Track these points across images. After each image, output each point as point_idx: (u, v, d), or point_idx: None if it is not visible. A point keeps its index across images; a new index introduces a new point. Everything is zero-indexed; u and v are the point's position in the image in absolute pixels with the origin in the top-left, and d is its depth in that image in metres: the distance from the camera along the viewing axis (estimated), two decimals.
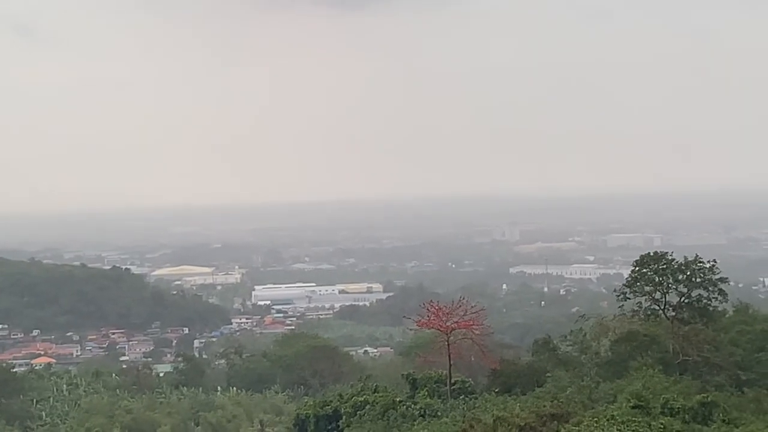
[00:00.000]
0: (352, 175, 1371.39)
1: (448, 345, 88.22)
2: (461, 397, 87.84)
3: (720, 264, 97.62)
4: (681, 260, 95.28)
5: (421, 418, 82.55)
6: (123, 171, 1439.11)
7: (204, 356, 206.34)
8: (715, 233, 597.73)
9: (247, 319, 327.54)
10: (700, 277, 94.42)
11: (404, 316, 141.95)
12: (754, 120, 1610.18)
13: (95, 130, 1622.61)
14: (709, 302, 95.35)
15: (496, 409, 74.51)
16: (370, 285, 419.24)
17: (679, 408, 64.60)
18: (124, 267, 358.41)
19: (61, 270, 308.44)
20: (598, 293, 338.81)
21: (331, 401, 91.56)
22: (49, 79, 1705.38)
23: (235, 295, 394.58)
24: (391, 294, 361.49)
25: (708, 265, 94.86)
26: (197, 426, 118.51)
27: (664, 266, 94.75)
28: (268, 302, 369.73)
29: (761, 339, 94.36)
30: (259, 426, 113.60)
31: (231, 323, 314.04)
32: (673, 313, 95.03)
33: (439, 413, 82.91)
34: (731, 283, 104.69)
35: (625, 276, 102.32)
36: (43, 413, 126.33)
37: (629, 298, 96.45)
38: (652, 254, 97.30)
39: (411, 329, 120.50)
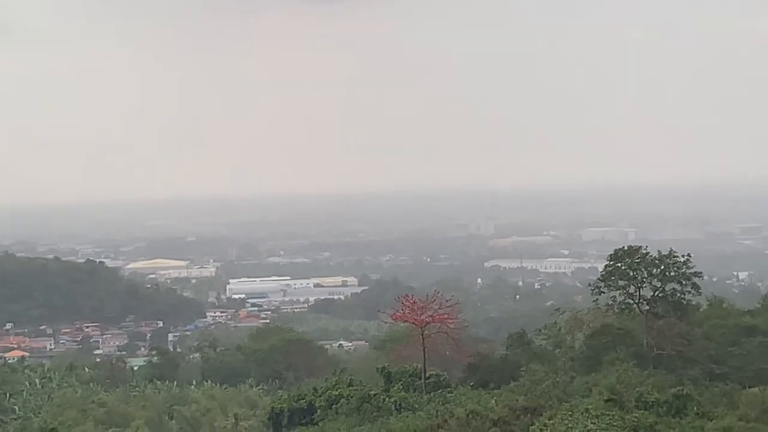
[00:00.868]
0: (327, 169, 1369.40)
1: (423, 339, 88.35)
2: (438, 391, 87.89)
3: (694, 258, 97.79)
4: (655, 254, 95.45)
5: (395, 411, 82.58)
6: (97, 164, 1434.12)
7: (178, 350, 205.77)
8: (690, 228, 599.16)
9: (221, 312, 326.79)
10: (675, 271, 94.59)
11: (379, 310, 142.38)
12: (730, 115, 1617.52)
13: (69, 123, 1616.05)
14: (683, 296, 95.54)
15: (471, 402, 74.65)
16: (345, 279, 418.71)
17: (653, 401, 64.87)
18: (98, 260, 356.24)
19: (34, 263, 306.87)
20: (572, 287, 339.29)
21: (305, 395, 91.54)
22: (22, 72, 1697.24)
23: (210, 289, 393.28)
24: (366, 288, 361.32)
25: (682, 260, 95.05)
26: (171, 420, 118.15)
27: (639, 260, 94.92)
28: (243, 296, 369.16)
29: (735, 333, 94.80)
30: (234, 420, 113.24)
31: (205, 317, 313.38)
32: (648, 307, 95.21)
33: (414, 407, 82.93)
34: (705, 278, 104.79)
35: (600, 270, 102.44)
36: (17, 407, 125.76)
37: (604, 292, 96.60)
38: (626, 248, 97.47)
39: (386, 323, 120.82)
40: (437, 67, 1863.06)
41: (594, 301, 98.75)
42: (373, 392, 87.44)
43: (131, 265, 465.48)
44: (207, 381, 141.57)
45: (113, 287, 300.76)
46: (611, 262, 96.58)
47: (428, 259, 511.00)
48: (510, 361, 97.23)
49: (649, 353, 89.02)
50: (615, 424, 59.68)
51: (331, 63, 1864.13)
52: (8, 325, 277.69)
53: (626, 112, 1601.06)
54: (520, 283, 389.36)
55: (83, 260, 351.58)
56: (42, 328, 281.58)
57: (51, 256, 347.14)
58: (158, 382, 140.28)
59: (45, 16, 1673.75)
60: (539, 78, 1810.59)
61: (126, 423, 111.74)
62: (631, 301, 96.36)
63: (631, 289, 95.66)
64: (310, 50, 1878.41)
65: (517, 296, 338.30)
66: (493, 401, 74.32)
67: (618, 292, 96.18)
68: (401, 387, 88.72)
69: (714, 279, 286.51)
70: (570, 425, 59.64)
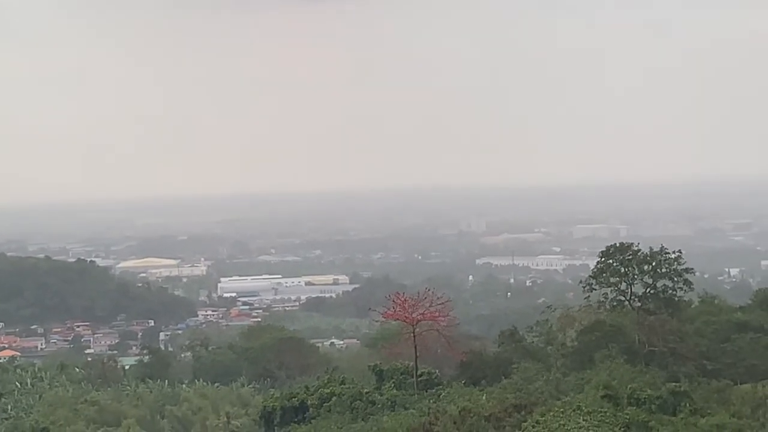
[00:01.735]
0: (318, 167, 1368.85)
1: (414, 336, 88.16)
2: (429, 389, 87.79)
3: (685, 254, 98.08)
4: (647, 251, 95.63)
5: (388, 409, 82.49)
6: (88, 163, 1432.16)
7: (170, 349, 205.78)
8: (681, 224, 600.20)
9: (212, 311, 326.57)
10: (666, 267, 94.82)
11: (370, 308, 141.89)
12: (721, 112, 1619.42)
13: (60, 122, 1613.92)
14: (674, 292, 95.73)
15: (462, 400, 74.52)
16: (336, 277, 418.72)
17: (645, 398, 64.75)
18: (88, 259, 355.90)
19: (25, 262, 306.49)
20: (564, 284, 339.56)
21: (297, 393, 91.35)
22: (12, 71, 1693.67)
23: (201, 288, 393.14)
24: (357, 286, 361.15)
25: (673, 256, 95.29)
26: (163, 419, 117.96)
27: (630, 257, 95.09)
28: (234, 294, 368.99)
29: (726, 329, 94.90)
30: (225, 419, 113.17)
31: (197, 315, 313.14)
32: (639, 304, 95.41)
33: (405, 405, 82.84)
34: (697, 274, 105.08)
35: (591, 267, 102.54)
36: (9, 406, 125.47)
37: (595, 289, 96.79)
38: (617, 245, 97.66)
39: (377, 321, 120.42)
40: (430, 67, 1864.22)
41: (585, 298, 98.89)
42: (365, 390, 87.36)
43: (122, 264, 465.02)
44: (198, 380, 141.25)
45: (104, 286, 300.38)
46: (602, 259, 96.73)
47: (419, 257, 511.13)
48: (502, 359, 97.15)
49: (640, 350, 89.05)
50: (608, 420, 59.61)
51: (325, 62, 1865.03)
52: None
53: (618, 110, 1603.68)
54: (512, 281, 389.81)
55: (74, 259, 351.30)
56: (33, 327, 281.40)
57: (42, 256, 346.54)
58: (150, 381, 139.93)
59: (41, 15, 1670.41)
60: (531, 76, 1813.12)
61: (118, 422, 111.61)
62: (623, 298, 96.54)
63: (623, 286, 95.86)
64: (304, 49, 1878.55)
65: (509, 293, 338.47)
66: (484, 398, 74.18)
67: (609, 288, 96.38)
68: (393, 385, 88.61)
69: (705, 275, 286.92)
70: (562, 422, 59.56)
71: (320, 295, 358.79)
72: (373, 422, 76.78)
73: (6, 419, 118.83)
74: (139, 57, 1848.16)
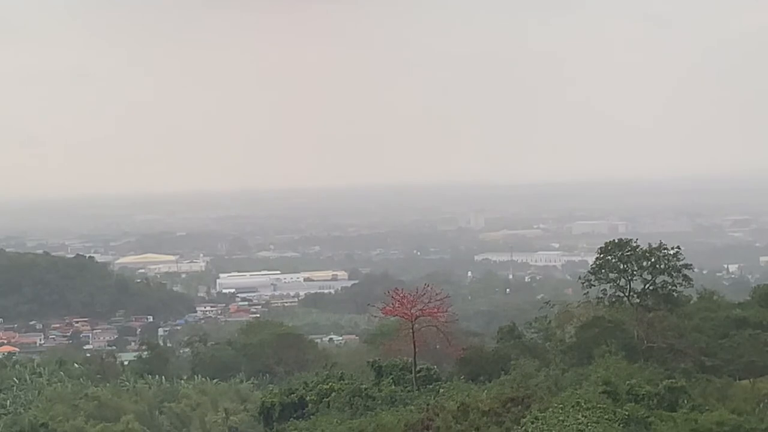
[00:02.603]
0: (317, 163, 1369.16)
1: (413, 333, 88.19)
2: (428, 385, 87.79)
3: (684, 251, 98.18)
4: (645, 247, 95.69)
5: (386, 405, 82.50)
6: (87, 159, 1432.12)
7: (168, 345, 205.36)
8: (680, 220, 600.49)
9: (211, 307, 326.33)
10: (665, 263, 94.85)
11: (369, 304, 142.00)
12: (720, 109, 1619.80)
13: (58, 118, 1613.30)
14: (673, 288, 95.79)
15: (461, 396, 74.55)
16: (335, 273, 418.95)
17: (644, 394, 64.79)
18: (87, 255, 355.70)
19: (23, 258, 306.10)
20: (562, 280, 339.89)
21: (296, 389, 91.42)
22: (10, 67, 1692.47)
23: (200, 283, 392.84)
24: (356, 282, 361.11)
25: (672, 252, 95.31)
26: (162, 415, 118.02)
27: (629, 253, 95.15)
28: (233, 290, 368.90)
29: (725, 325, 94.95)
30: (224, 414, 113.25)
31: (195, 311, 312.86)
32: (638, 300, 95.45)
33: (404, 401, 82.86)
34: (695, 270, 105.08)
35: (590, 263, 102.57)
36: (7, 402, 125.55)
37: (594, 285, 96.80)
38: (616, 241, 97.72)
39: (376, 317, 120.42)
40: (428, 63, 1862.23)
41: (584, 294, 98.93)
42: (363, 386, 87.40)
43: (121, 260, 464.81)
44: (197, 376, 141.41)
45: (103, 282, 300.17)
46: (601, 255, 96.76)
47: (418, 253, 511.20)
48: (501, 355, 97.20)
49: (639, 346, 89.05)
50: (606, 416, 59.65)
51: (321, 58, 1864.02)
52: None
53: (617, 106, 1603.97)
54: (511, 277, 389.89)
55: (73, 255, 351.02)
56: (32, 323, 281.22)
57: (40, 252, 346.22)
58: (148, 377, 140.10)
59: (42, 12, 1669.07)
60: (529, 72, 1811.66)
61: (116, 418, 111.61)
62: (622, 294, 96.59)
63: (622, 282, 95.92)
64: (299, 46, 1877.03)
65: (508, 290, 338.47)
66: (484, 394, 74.23)
67: (608, 285, 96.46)
68: (392, 381, 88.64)
69: (704, 272, 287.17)
70: (561, 418, 59.59)
71: (319, 291, 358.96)
72: (372, 418, 76.76)
73: (5, 415, 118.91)
74: (136, 54, 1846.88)
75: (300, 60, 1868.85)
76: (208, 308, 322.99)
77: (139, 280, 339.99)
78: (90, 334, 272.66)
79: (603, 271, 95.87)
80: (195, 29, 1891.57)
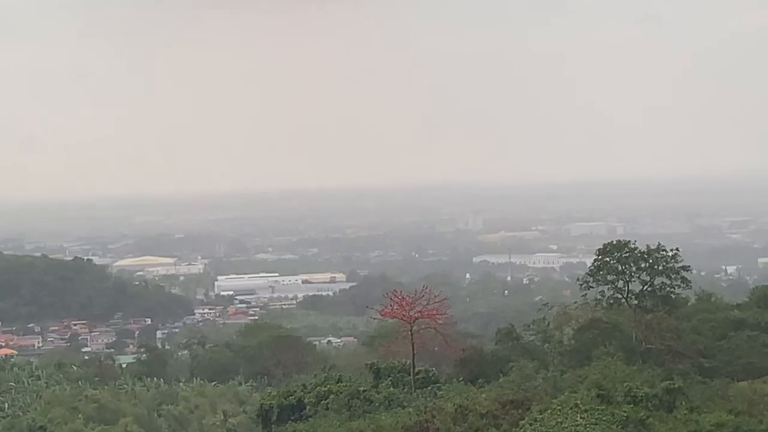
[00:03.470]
0: (315, 165, 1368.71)
1: (412, 334, 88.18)
2: (427, 387, 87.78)
3: (683, 252, 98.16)
4: (644, 249, 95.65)
5: (385, 407, 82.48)
6: (84, 161, 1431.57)
7: (167, 347, 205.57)
8: (678, 222, 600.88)
9: (210, 309, 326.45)
10: (663, 265, 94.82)
11: (368, 306, 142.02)
12: (718, 110, 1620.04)
13: (55, 120, 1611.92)
14: (672, 290, 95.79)
15: (460, 398, 74.55)
16: (333, 275, 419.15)
17: (642, 396, 64.77)
18: (85, 257, 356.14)
19: (22, 261, 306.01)
20: (561, 282, 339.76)
21: (294, 391, 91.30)
22: (6, 67, 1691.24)
23: (198, 286, 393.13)
24: (354, 284, 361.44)
25: (671, 254, 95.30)
26: (160, 417, 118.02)
27: (627, 255, 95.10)
28: (231, 292, 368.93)
29: (723, 327, 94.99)
30: (223, 416, 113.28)
31: (194, 314, 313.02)
32: (636, 302, 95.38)
33: (402, 403, 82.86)
34: (694, 272, 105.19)
35: (588, 265, 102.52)
36: (6, 405, 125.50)
37: (592, 287, 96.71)
38: (615, 243, 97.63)
39: (374, 319, 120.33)
40: (426, 63, 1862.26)
41: (583, 295, 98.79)
42: (362, 388, 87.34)
43: (119, 263, 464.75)
44: (196, 378, 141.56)
45: (101, 285, 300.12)
46: (600, 257, 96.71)
47: (416, 255, 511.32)
48: (499, 357, 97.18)
49: (637, 348, 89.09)
50: (605, 418, 59.65)
51: (319, 58, 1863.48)
52: None
53: (616, 107, 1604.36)
54: (509, 278, 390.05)
55: (71, 258, 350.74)
56: (30, 326, 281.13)
57: (39, 254, 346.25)
58: (147, 380, 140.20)
59: (36, 13, 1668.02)
60: (529, 73, 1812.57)
61: (115, 420, 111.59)
62: (620, 296, 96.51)
63: (620, 284, 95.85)
64: (297, 47, 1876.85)
65: (506, 291, 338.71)
66: (483, 396, 74.22)
67: (606, 286, 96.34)
68: (390, 383, 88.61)
69: (702, 273, 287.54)
70: (560, 420, 59.61)
71: (317, 293, 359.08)
72: (371, 420, 76.76)
73: (3, 418, 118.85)
74: (135, 55, 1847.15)
75: (299, 60, 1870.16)
76: (206, 310, 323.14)
77: (137, 283, 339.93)
78: (88, 337, 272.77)
79: (601, 272, 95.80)
80: (194, 29, 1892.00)
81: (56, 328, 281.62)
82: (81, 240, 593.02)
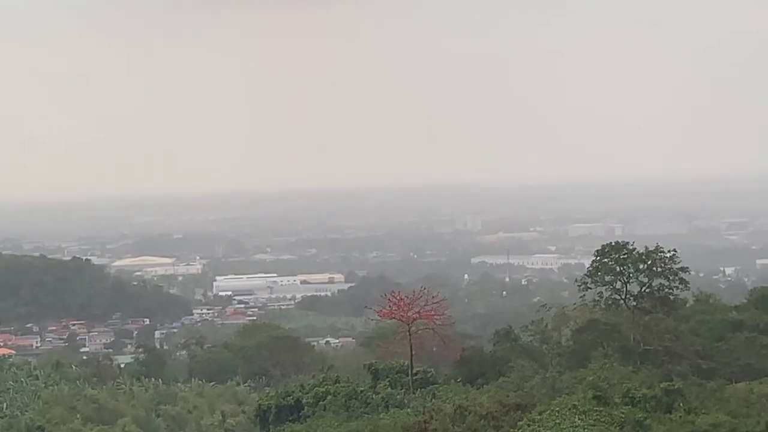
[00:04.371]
0: (313, 165, 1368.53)
1: (410, 335, 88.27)
2: (425, 387, 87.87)
3: (681, 253, 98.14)
4: (642, 250, 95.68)
5: (383, 408, 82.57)
6: (83, 161, 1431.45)
7: (165, 347, 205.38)
8: (677, 223, 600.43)
9: (208, 309, 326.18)
10: (661, 266, 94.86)
11: (366, 307, 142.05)
12: (717, 111, 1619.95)
13: (55, 120, 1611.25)
14: (670, 291, 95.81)
15: (458, 398, 74.65)
16: (331, 275, 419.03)
17: (640, 397, 64.84)
18: (84, 257, 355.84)
19: (20, 261, 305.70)
20: (559, 283, 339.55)
21: (293, 392, 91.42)
22: (5, 68, 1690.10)
23: (197, 286, 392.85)
24: (352, 284, 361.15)
25: (669, 255, 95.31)
26: (158, 417, 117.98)
27: (625, 256, 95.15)
28: (230, 293, 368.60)
29: (721, 328, 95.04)
30: (221, 417, 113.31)
31: (192, 314, 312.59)
32: (634, 303, 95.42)
33: (401, 403, 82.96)
34: (692, 273, 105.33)
35: (587, 266, 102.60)
36: (4, 405, 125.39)
37: (590, 288, 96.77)
38: (613, 244, 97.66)
39: (373, 319, 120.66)
40: (426, 64, 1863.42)
41: (581, 296, 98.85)
42: (360, 389, 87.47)
43: (118, 263, 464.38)
44: (194, 378, 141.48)
45: (100, 285, 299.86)
46: (598, 258, 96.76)
47: (415, 256, 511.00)
48: (497, 357, 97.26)
49: (636, 349, 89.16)
50: (603, 420, 59.73)
51: (317, 60, 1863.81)
52: None
53: (614, 108, 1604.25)
54: (507, 279, 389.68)
55: (69, 258, 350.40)
56: (28, 325, 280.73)
57: (37, 254, 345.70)
58: (145, 380, 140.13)
59: (36, 13, 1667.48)
60: (525, 74, 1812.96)
61: (113, 420, 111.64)
62: (618, 297, 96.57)
63: (618, 285, 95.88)
64: (296, 47, 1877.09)
65: (504, 292, 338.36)
66: (484, 397, 74.32)
67: (605, 287, 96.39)
68: (388, 383, 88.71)
69: (701, 274, 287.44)
70: (558, 421, 59.69)
71: (315, 293, 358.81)
72: (369, 421, 76.86)
73: (1, 418, 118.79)
74: (134, 56, 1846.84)
75: (298, 60, 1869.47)
76: (204, 311, 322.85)
77: (135, 283, 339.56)
78: (86, 337, 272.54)
79: (599, 273, 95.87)
80: (194, 30, 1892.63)
81: (54, 328, 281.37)
82: (79, 240, 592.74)
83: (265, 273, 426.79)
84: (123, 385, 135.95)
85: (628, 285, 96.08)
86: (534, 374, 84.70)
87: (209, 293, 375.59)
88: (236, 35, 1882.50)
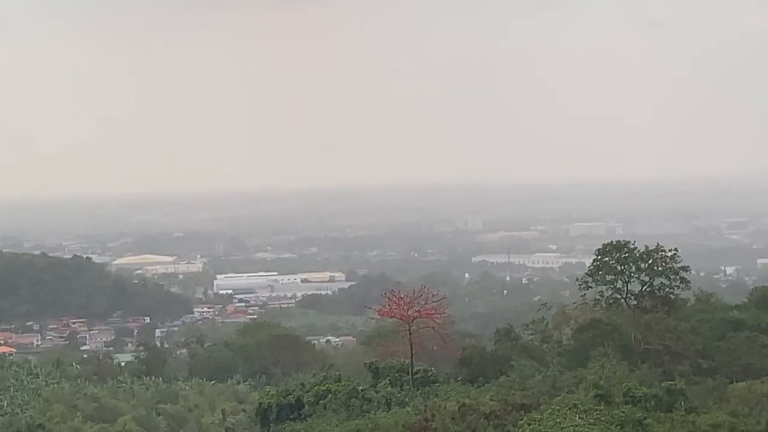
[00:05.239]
0: (314, 164, 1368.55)
1: (410, 334, 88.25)
2: (425, 386, 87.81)
3: (682, 253, 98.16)
4: (643, 249, 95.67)
5: (383, 406, 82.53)
6: (83, 159, 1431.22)
7: (165, 345, 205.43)
8: (677, 222, 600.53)
9: (208, 308, 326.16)
10: (662, 265, 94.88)
11: (366, 305, 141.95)
12: (717, 111, 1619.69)
13: (55, 119, 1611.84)
14: (671, 291, 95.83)
15: (459, 397, 74.59)
16: (332, 274, 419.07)
17: (641, 396, 64.82)
18: (84, 256, 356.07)
19: (21, 259, 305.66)
20: (560, 282, 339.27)
21: (293, 390, 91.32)
22: (5, 68, 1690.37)
23: (197, 284, 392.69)
24: (353, 283, 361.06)
25: (670, 254, 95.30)
26: (159, 416, 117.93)
27: (626, 255, 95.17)
28: (230, 291, 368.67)
29: (722, 327, 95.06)
30: (222, 415, 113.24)
31: (193, 312, 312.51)
32: (635, 302, 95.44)
33: (401, 402, 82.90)
34: (693, 272, 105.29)
35: (588, 265, 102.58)
36: (4, 403, 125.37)
37: (591, 287, 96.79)
38: (614, 243, 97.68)
39: (373, 318, 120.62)
40: (425, 64, 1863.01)
41: (582, 296, 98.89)
42: (360, 388, 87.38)
43: (118, 261, 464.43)
44: (194, 377, 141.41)
45: (100, 283, 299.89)
46: (599, 257, 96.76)
47: (415, 254, 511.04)
48: (498, 356, 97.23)
49: (636, 348, 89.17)
50: (603, 419, 59.70)
51: (316, 60, 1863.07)
52: None
53: (614, 108, 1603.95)
54: (508, 278, 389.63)
55: (70, 256, 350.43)
56: (29, 324, 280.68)
57: (37, 252, 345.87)
58: (145, 378, 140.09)
59: (35, 14, 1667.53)
60: (526, 74, 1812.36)
61: (113, 418, 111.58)
62: (619, 296, 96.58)
63: (619, 284, 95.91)
64: (296, 47, 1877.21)
65: (505, 291, 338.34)
66: (488, 396, 74.27)
67: (605, 286, 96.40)
68: (389, 382, 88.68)
69: (701, 274, 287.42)
70: (558, 420, 59.65)
71: (316, 292, 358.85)
72: (369, 419, 76.79)
73: (2, 416, 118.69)
74: (133, 56, 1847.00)
75: (297, 60, 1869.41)
76: (205, 309, 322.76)
77: (136, 281, 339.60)
78: (87, 335, 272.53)
79: (600, 273, 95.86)
80: (193, 30, 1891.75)
81: (55, 326, 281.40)
82: (80, 238, 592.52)
83: (265, 271, 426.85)
84: (123, 384, 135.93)
85: (629, 284, 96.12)
86: (535, 373, 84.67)
87: (210, 292, 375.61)
88: (235, 35, 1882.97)
